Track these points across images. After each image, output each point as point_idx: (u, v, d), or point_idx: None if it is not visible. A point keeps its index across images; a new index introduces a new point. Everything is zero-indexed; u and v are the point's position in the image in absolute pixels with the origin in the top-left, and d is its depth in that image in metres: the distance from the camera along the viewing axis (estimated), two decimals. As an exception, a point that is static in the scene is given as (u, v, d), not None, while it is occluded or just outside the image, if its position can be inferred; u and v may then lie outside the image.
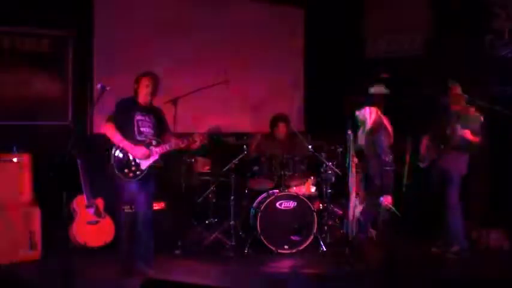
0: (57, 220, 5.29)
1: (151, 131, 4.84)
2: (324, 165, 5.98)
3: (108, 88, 4.66)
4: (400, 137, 6.91)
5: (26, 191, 5.25)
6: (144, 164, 4.70)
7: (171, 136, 4.98)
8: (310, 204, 5.64)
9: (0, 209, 5.10)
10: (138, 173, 4.69)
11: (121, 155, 4.68)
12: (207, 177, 6.17)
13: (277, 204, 5.60)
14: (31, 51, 5.97)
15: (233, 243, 5.62)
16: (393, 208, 5.23)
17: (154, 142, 4.78)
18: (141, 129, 4.78)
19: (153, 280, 3.51)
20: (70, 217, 5.37)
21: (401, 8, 7.13)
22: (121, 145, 4.67)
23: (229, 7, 7.11)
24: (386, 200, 5.17)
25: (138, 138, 4.74)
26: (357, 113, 5.42)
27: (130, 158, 4.68)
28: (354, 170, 5.64)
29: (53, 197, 5.15)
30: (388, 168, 5.20)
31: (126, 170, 4.66)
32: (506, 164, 5.95)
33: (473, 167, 5.54)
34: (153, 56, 6.57)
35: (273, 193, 5.70)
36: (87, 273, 4.74)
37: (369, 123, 5.37)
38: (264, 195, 5.77)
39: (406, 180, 6.94)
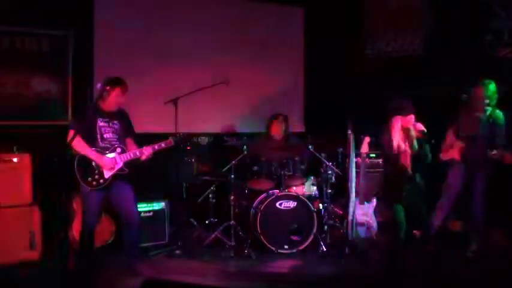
0: (57, 220, 5.30)
1: (116, 136, 4.76)
2: (324, 165, 5.98)
3: (107, 88, 4.68)
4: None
5: (26, 191, 5.24)
6: (108, 173, 4.66)
7: (131, 141, 4.89)
8: (310, 204, 5.64)
9: (0, 209, 5.10)
10: (101, 181, 4.64)
11: (84, 164, 4.61)
12: (207, 177, 6.18)
13: (277, 204, 5.60)
14: (31, 51, 5.97)
15: (233, 243, 5.62)
16: None
17: (119, 149, 4.72)
18: (104, 135, 4.71)
19: (153, 280, 3.51)
20: (70, 217, 5.36)
21: (401, 8, 7.13)
22: (87, 154, 4.60)
23: (230, 7, 7.12)
24: None
25: (101, 144, 4.68)
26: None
27: (94, 166, 4.63)
28: (353, 169, 5.66)
29: (53, 197, 5.16)
30: None
31: (89, 179, 4.62)
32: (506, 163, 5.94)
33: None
34: (153, 55, 6.58)
35: (273, 193, 5.70)
36: (87, 273, 4.73)
37: None
38: (264, 195, 5.76)
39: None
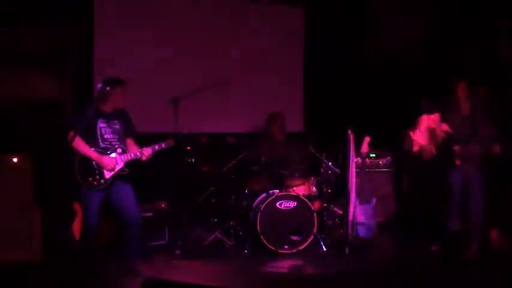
0: (57, 220, 5.30)
1: (116, 137, 4.75)
2: (324, 165, 5.98)
3: (108, 88, 4.68)
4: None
5: (26, 191, 5.24)
6: (108, 174, 4.65)
7: (131, 141, 4.88)
8: (310, 204, 5.64)
9: (0, 209, 5.10)
10: (102, 181, 4.64)
11: (84, 164, 4.60)
12: (207, 177, 6.18)
13: (277, 204, 5.60)
14: (31, 51, 5.98)
15: (233, 243, 5.62)
16: None
17: (119, 150, 4.72)
18: (105, 136, 4.70)
19: (154, 280, 3.51)
20: (70, 217, 5.36)
21: (401, 7, 7.13)
22: (88, 155, 4.59)
23: (229, 7, 7.12)
24: None
25: (102, 145, 4.67)
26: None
27: (95, 166, 4.62)
28: (353, 169, 5.65)
29: (53, 197, 5.15)
30: None
31: (90, 179, 4.61)
32: (506, 163, 5.94)
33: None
34: (153, 55, 6.58)
35: (273, 193, 5.70)
36: (88, 273, 4.74)
37: None
38: (264, 195, 5.76)
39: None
